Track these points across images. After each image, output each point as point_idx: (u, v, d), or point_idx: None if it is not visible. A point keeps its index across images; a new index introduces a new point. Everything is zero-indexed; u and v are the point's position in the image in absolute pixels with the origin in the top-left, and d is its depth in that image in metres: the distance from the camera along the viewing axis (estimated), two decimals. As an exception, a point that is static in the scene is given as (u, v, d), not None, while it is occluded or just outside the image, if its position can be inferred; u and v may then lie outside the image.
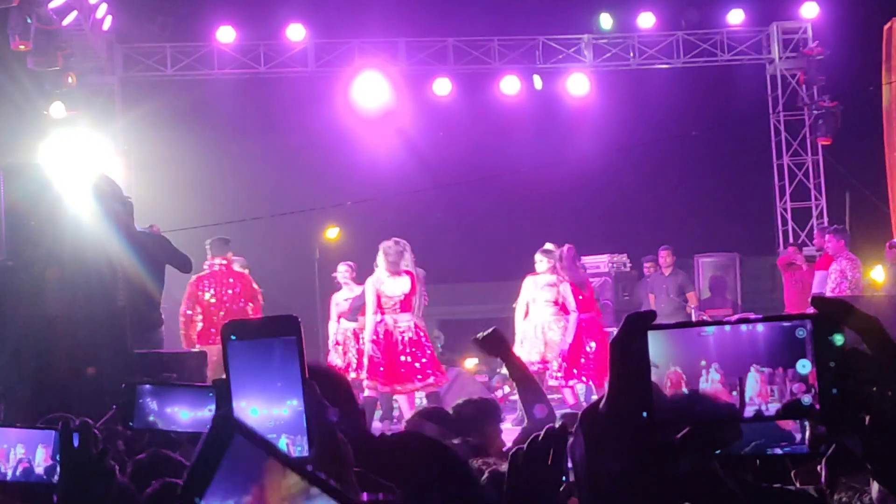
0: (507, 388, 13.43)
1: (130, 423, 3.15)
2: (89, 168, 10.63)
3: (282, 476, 0.99)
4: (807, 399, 0.96)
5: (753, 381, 0.98)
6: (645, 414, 0.96)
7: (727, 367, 0.98)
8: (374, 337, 9.26)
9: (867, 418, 0.95)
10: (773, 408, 0.97)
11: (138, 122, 14.84)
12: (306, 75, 15.97)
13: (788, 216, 16.58)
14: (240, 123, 15.79)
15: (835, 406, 0.95)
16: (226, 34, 15.60)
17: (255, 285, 10.53)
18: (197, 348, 9.23)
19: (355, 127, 15.87)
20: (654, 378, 0.97)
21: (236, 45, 15.71)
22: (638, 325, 0.98)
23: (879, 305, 10.10)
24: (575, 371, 10.09)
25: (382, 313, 9.29)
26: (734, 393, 0.97)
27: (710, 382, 0.98)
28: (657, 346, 0.98)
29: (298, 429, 1.12)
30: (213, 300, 9.62)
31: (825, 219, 15.99)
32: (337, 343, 11.08)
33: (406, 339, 9.25)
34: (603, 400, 0.98)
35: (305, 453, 1.09)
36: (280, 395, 1.10)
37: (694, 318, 13.39)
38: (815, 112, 15.79)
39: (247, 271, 10.74)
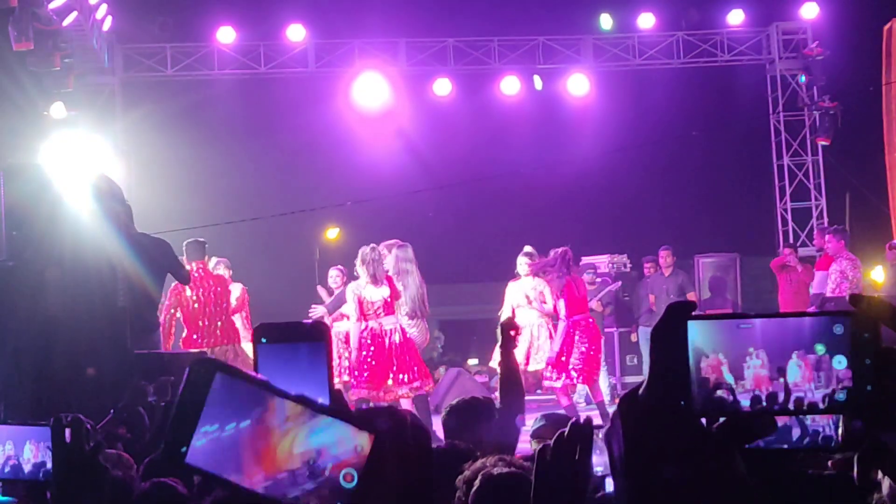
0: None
1: None
2: (89, 168, 10.64)
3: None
4: (841, 395, 0.98)
5: (796, 368, 0.99)
6: (683, 402, 0.97)
7: (771, 355, 0.99)
8: (362, 342, 9.26)
9: None
10: (818, 394, 0.99)
11: (138, 123, 14.85)
12: (306, 76, 15.98)
13: (789, 216, 16.58)
14: (240, 124, 15.79)
15: (869, 402, 0.97)
16: (226, 35, 15.60)
17: (231, 287, 10.44)
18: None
19: (355, 127, 15.88)
20: (701, 365, 0.99)
21: (236, 45, 15.72)
22: (679, 313, 0.99)
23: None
24: (566, 369, 10.06)
25: (366, 319, 9.30)
26: (780, 380, 0.99)
27: (752, 368, 0.99)
28: (701, 335, 0.99)
29: None
30: (195, 305, 9.59)
31: (825, 219, 15.99)
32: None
33: (395, 340, 9.25)
34: (642, 386, 0.98)
35: None
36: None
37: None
38: (815, 112, 15.80)
39: (229, 273, 10.69)
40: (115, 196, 6.71)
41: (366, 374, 9.20)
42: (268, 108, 16.00)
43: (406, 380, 9.20)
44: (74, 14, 12.38)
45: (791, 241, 15.90)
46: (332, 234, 15.95)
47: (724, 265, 15.52)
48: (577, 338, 10.14)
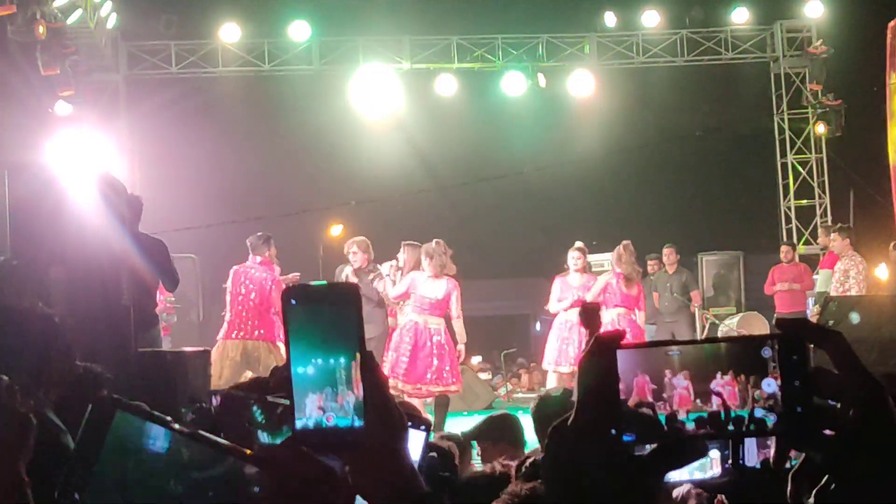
0: (508, 387, 13.46)
1: None
2: (94, 166, 10.66)
3: None
4: (771, 417, 0.98)
5: (718, 388, 1.00)
6: (614, 431, 0.98)
7: (693, 376, 1.00)
8: (403, 332, 9.32)
9: (829, 433, 0.97)
10: (742, 413, 0.99)
11: (143, 120, 14.88)
12: (310, 73, 15.99)
13: (792, 214, 16.57)
14: (244, 121, 15.81)
15: (799, 424, 0.97)
16: (230, 32, 15.62)
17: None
18: (219, 342, 9.33)
19: (359, 125, 15.88)
20: (620, 386, 0.99)
21: (240, 42, 15.73)
22: (607, 344, 1.00)
23: (883, 304, 10.08)
24: None
25: (413, 311, 9.36)
26: (697, 401, 0.99)
27: (676, 388, 1.00)
28: (624, 360, 1.00)
29: (349, 387, 1.09)
30: (240, 297, 9.68)
31: (829, 217, 15.99)
32: None
33: (435, 341, 9.28)
34: (571, 416, 0.99)
35: (353, 421, 1.04)
36: (336, 355, 1.08)
37: (697, 317, 13.40)
38: (819, 110, 15.78)
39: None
40: (120, 193, 6.73)
41: (401, 368, 9.23)
42: (272, 106, 16.02)
43: (437, 382, 9.23)
44: (79, 11, 12.41)
45: (795, 239, 15.91)
46: (336, 231, 15.96)
47: (727, 263, 15.52)
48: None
